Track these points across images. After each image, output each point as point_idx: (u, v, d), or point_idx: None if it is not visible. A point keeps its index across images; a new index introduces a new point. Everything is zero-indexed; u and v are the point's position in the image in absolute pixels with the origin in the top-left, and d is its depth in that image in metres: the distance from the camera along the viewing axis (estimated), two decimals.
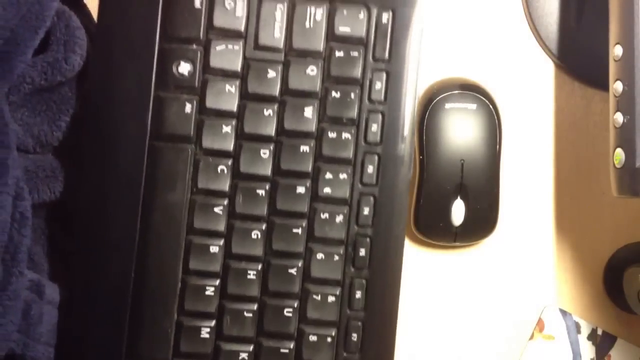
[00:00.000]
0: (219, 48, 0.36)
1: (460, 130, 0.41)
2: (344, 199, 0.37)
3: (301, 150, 0.36)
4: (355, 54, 0.36)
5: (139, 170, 0.36)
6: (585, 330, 0.44)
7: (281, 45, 0.36)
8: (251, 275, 0.37)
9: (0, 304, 0.29)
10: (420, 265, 0.44)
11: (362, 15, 0.36)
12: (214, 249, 0.36)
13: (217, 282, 0.37)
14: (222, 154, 0.36)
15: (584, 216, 0.45)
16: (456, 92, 0.41)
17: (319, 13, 0.36)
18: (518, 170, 0.44)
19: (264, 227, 0.37)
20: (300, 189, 0.37)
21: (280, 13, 0.36)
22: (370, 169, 0.37)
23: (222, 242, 0.37)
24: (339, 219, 0.37)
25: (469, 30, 0.44)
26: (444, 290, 0.44)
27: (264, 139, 0.36)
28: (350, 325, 0.37)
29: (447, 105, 0.41)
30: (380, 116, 0.37)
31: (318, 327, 0.37)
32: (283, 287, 0.37)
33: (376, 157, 0.37)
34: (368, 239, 0.37)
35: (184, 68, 0.36)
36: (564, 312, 0.44)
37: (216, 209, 0.36)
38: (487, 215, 0.42)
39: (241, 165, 0.36)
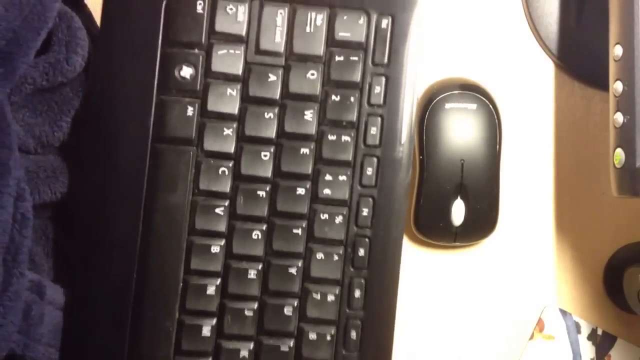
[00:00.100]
0: (220, 52, 0.36)
1: (460, 130, 0.41)
2: (343, 200, 0.37)
3: (301, 153, 0.37)
4: (355, 58, 0.37)
5: (141, 171, 0.36)
6: (585, 330, 0.44)
7: (282, 49, 0.37)
8: (252, 275, 0.37)
9: (1, 305, 0.29)
10: (420, 265, 0.44)
11: (362, 20, 0.37)
12: (215, 249, 0.37)
13: (218, 281, 0.37)
14: (223, 156, 0.37)
15: (584, 216, 0.45)
16: (456, 92, 0.41)
17: (319, 18, 0.37)
18: (518, 170, 0.44)
19: (264, 227, 0.37)
20: (301, 191, 0.37)
21: (281, 18, 0.37)
22: (369, 171, 0.37)
23: (223, 242, 0.37)
24: (339, 219, 0.37)
25: (469, 30, 0.44)
26: (444, 290, 0.44)
27: (264, 142, 0.37)
28: (350, 324, 0.37)
29: (447, 105, 0.41)
30: (379, 119, 0.37)
31: (317, 325, 0.37)
32: (283, 286, 0.37)
33: (375, 160, 0.37)
34: (367, 240, 0.37)
35: (186, 72, 0.36)
36: (564, 312, 0.44)
37: (217, 210, 0.37)
38: (487, 215, 0.42)
39: (242, 167, 0.37)
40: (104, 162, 0.36)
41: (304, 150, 0.37)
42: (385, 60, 0.37)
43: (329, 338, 0.37)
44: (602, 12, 0.39)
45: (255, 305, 0.37)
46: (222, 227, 0.37)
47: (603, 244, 0.44)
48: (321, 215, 0.37)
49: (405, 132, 0.37)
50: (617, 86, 0.36)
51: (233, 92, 0.36)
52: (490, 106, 0.41)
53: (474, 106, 0.41)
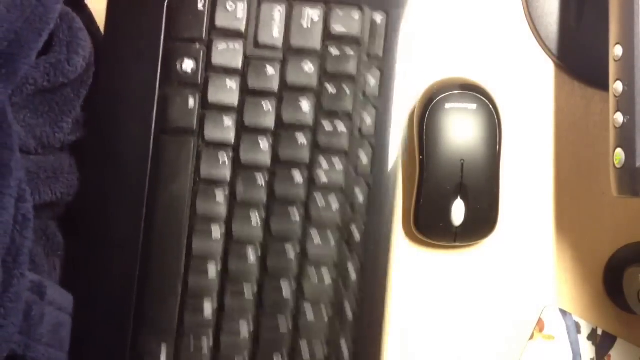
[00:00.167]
0: (220, 47, 0.38)
1: (460, 130, 0.41)
2: (339, 186, 0.38)
3: (299, 142, 0.38)
4: (350, 52, 0.38)
5: (144, 164, 0.38)
6: (585, 330, 0.44)
7: (280, 44, 0.38)
8: (251, 257, 0.38)
9: (2, 306, 0.29)
10: (421, 265, 0.44)
11: (357, 15, 0.38)
12: (215, 233, 0.37)
13: (219, 264, 0.38)
14: (223, 145, 0.38)
15: (584, 216, 0.45)
16: (456, 92, 0.41)
17: (315, 14, 0.38)
18: (518, 170, 0.44)
19: (263, 213, 0.38)
20: (298, 178, 0.38)
21: (278, 14, 0.38)
22: (364, 159, 0.38)
23: (223, 227, 0.38)
24: (335, 205, 0.38)
25: (469, 30, 0.45)
26: (444, 290, 0.44)
27: (263, 131, 0.38)
28: (345, 303, 0.38)
29: (447, 105, 0.41)
30: (374, 110, 0.38)
31: (315, 305, 0.38)
32: (281, 268, 0.38)
33: (370, 148, 0.38)
34: (362, 223, 0.38)
35: (188, 65, 0.38)
36: (564, 312, 0.44)
37: (218, 197, 0.37)
38: (487, 215, 0.42)
39: (241, 156, 0.38)
40: (109, 154, 0.38)
41: (301, 140, 0.38)
42: (380, 53, 0.38)
43: (325, 318, 0.38)
44: (602, 12, 0.39)
45: (255, 286, 0.38)
46: (222, 212, 0.38)
47: (603, 244, 0.44)
48: (318, 201, 0.38)
49: (398, 121, 0.39)
50: (617, 86, 0.36)
51: (233, 84, 0.38)
52: (490, 106, 0.41)
53: (474, 106, 0.41)
